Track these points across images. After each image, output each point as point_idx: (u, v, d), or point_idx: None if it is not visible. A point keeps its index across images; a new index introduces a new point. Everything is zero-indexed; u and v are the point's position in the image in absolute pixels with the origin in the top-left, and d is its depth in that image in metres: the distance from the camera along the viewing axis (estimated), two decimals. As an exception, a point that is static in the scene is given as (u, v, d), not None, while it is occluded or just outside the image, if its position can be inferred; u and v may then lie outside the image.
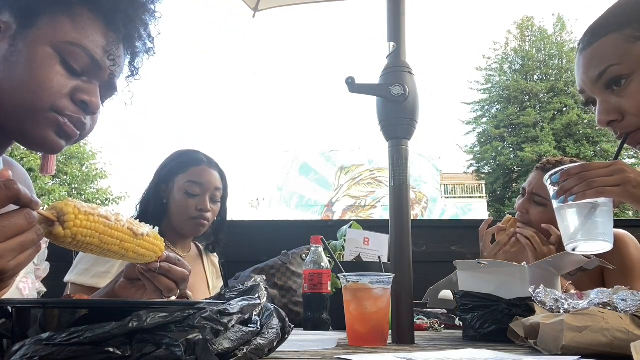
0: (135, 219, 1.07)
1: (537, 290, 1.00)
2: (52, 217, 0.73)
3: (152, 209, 1.87)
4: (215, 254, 2.11)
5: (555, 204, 1.16)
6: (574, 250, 1.15)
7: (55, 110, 0.90)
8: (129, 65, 1.05)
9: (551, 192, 1.17)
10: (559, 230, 1.20)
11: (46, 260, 1.17)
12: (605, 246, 1.12)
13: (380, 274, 1.10)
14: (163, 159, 1.97)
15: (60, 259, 1.12)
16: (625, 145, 1.16)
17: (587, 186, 1.08)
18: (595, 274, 1.82)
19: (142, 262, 0.93)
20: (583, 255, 1.19)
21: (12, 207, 0.66)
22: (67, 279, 1.68)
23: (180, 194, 1.86)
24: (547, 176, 1.19)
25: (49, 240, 1.02)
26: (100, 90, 0.97)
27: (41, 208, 0.70)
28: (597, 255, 1.20)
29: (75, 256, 1.74)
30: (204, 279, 2.01)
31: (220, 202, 1.95)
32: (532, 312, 1.01)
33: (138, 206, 1.92)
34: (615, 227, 1.15)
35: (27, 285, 1.06)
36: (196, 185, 1.86)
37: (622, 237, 1.81)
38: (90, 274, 1.64)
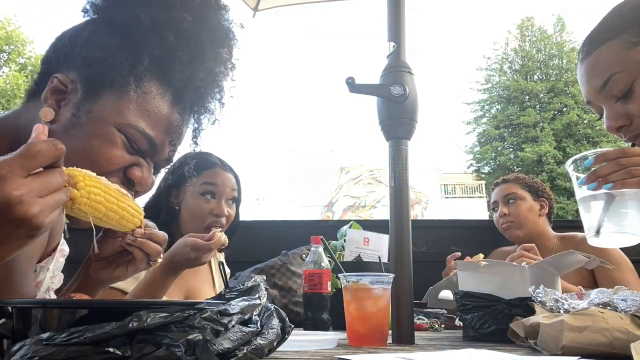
0: None
1: (537, 290, 1.00)
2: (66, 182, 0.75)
3: (164, 214, 1.79)
4: (222, 253, 2.09)
5: (579, 193, 1.09)
6: (597, 241, 1.09)
7: None
8: (192, 132, 1.02)
9: (575, 179, 1.09)
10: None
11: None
12: (633, 240, 1.05)
13: (380, 274, 1.10)
14: None
15: (68, 261, 1.12)
16: None
17: (628, 174, 1.00)
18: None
19: (129, 228, 0.93)
20: (583, 255, 1.19)
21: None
22: None
23: (194, 199, 1.79)
24: (570, 161, 1.12)
25: (67, 253, 1.02)
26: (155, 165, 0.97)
27: None
28: None
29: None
30: (210, 279, 1.98)
31: (235, 205, 1.89)
32: (532, 312, 1.01)
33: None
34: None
35: (55, 281, 1.08)
36: (211, 187, 1.80)
37: None
38: None
